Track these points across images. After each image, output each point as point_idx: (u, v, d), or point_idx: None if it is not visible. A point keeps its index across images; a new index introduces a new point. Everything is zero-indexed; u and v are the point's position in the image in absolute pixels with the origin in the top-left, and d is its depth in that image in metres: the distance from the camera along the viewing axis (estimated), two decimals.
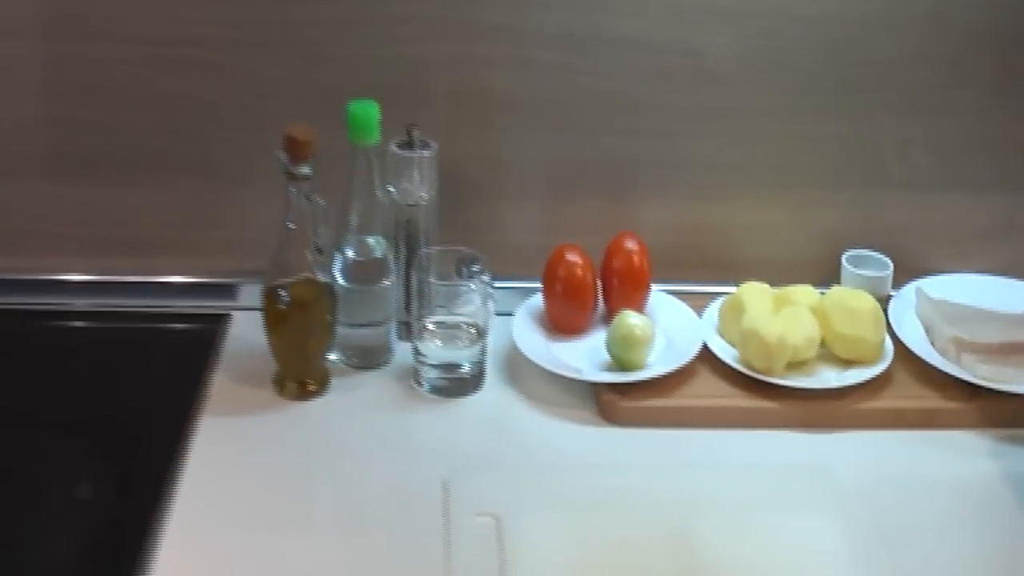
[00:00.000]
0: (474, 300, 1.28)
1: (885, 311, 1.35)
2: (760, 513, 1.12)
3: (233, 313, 1.41)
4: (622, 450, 1.22)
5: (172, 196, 1.40)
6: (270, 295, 1.25)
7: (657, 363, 1.29)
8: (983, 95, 1.36)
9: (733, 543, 1.08)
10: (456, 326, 1.30)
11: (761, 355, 1.26)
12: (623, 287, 1.35)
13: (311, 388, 1.29)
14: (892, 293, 1.40)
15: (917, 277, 1.42)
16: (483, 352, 1.30)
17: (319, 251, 1.24)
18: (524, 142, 1.38)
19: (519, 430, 1.24)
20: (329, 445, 1.21)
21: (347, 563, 1.07)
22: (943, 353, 1.31)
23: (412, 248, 1.33)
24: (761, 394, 1.26)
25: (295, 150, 1.19)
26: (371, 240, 1.30)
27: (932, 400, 1.27)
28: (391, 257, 1.31)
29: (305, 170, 1.20)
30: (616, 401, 1.25)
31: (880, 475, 1.19)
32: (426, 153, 1.30)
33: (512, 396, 1.29)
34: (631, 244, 1.35)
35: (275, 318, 1.26)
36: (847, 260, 1.39)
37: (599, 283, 1.36)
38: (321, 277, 1.25)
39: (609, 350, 1.28)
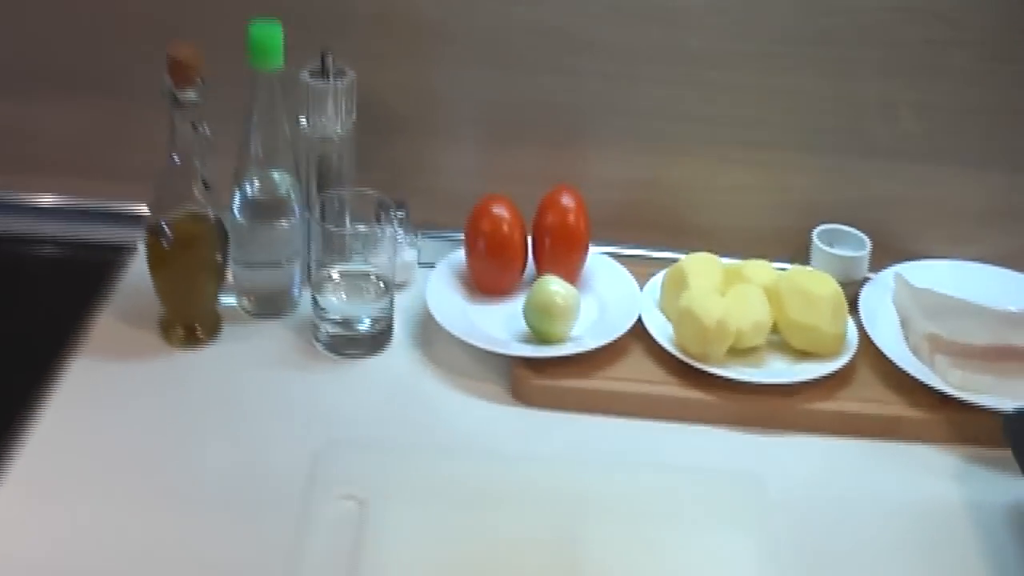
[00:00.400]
0: (386, 250, 1.14)
1: (857, 297, 1.19)
2: (664, 522, 0.98)
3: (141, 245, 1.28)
4: (526, 435, 1.07)
5: (79, 113, 1.28)
6: (152, 232, 1.12)
7: (582, 337, 1.14)
8: (984, 58, 1.18)
9: (622, 555, 0.94)
10: (364, 277, 1.16)
11: (697, 338, 1.10)
12: (555, 248, 1.20)
13: (199, 335, 1.16)
14: (869, 276, 1.24)
15: (900, 260, 1.25)
16: (389, 309, 1.16)
17: (205, 185, 1.11)
18: (458, 77, 1.23)
19: (417, 402, 1.10)
20: (203, 403, 1.09)
21: (188, 540, 0.94)
22: (915, 351, 1.15)
23: (324, 188, 1.19)
24: (696, 383, 1.11)
25: (179, 73, 1.05)
26: (276, 175, 1.16)
27: (894, 406, 1.11)
28: (295, 195, 1.17)
29: (191, 95, 1.06)
30: (528, 378, 1.11)
31: (818, 490, 1.04)
32: (341, 83, 1.16)
33: (419, 362, 1.15)
34: (567, 200, 1.19)
35: (158, 257, 1.13)
36: (819, 236, 1.23)
37: (530, 241, 1.21)
38: (210, 213, 1.12)
39: (526, 319, 1.14)
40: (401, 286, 1.22)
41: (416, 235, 1.25)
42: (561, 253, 1.20)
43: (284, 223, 1.16)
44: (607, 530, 0.96)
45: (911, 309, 1.19)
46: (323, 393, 1.11)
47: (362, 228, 1.14)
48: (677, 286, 1.16)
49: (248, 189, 1.15)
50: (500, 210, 1.18)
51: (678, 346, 1.12)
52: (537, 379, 1.10)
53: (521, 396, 1.11)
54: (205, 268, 1.14)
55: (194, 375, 1.12)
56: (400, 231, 1.23)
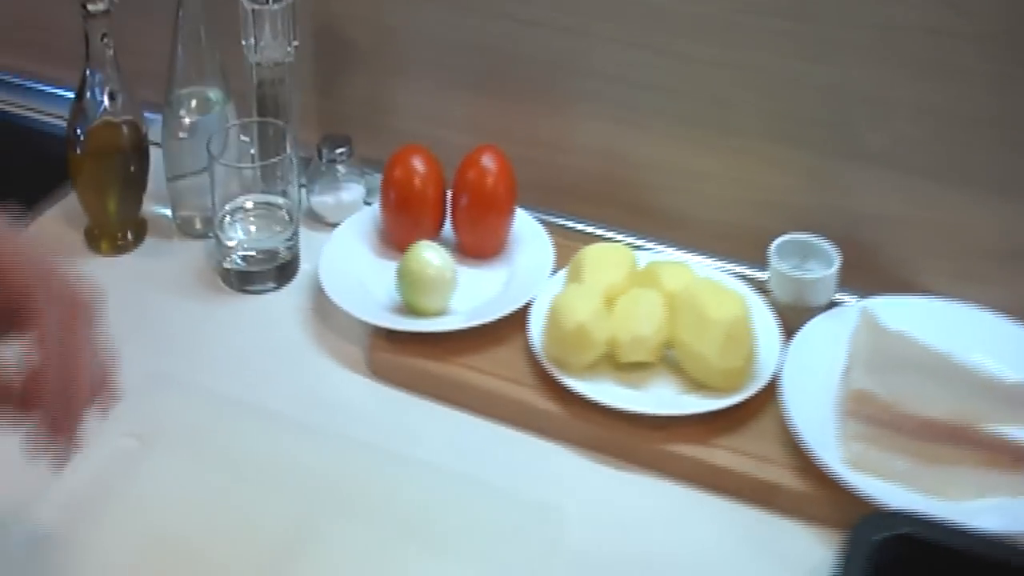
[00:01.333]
0: (288, 182, 1.09)
1: (799, 325, 1.00)
2: (416, 537, 0.87)
3: None
4: (355, 411, 0.99)
5: None
6: (68, 141, 1.12)
7: (457, 314, 1.03)
8: (999, 59, 0.93)
9: (347, 559, 0.85)
10: (275, 210, 1.11)
11: (557, 343, 0.97)
12: (471, 211, 1.08)
13: (119, 243, 1.16)
14: (845, 301, 1.04)
15: (889, 291, 1.04)
16: (286, 249, 1.10)
17: (111, 97, 1.09)
18: (414, 12, 1.12)
19: (273, 353, 1.04)
20: None
21: None
22: (838, 408, 0.95)
23: (265, 115, 1.14)
24: (555, 394, 0.97)
25: None
26: (211, 95, 1.12)
27: (775, 469, 0.92)
28: (230, 117, 1.12)
29: (99, 6, 1.05)
30: (379, 351, 1.02)
31: (628, 548, 0.88)
32: (280, 7, 1.09)
33: (301, 311, 1.08)
34: (488, 161, 1.07)
35: (75, 166, 1.13)
36: (785, 246, 1.03)
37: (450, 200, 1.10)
38: (123, 125, 1.10)
39: (397, 287, 1.04)
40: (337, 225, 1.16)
41: (362, 172, 1.17)
42: (477, 216, 1.08)
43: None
44: (351, 530, 0.87)
45: (862, 354, 0.98)
46: (191, 325, 1.07)
47: (259, 161, 1.09)
48: (573, 278, 1.02)
49: (180, 107, 1.12)
50: (417, 162, 1.08)
51: (543, 347, 0.99)
52: (387, 354, 1.01)
53: (375, 369, 1.02)
54: (118, 179, 1.13)
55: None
56: (342, 168, 1.16)
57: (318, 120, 1.20)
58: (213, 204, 1.09)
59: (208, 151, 1.06)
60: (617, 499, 0.92)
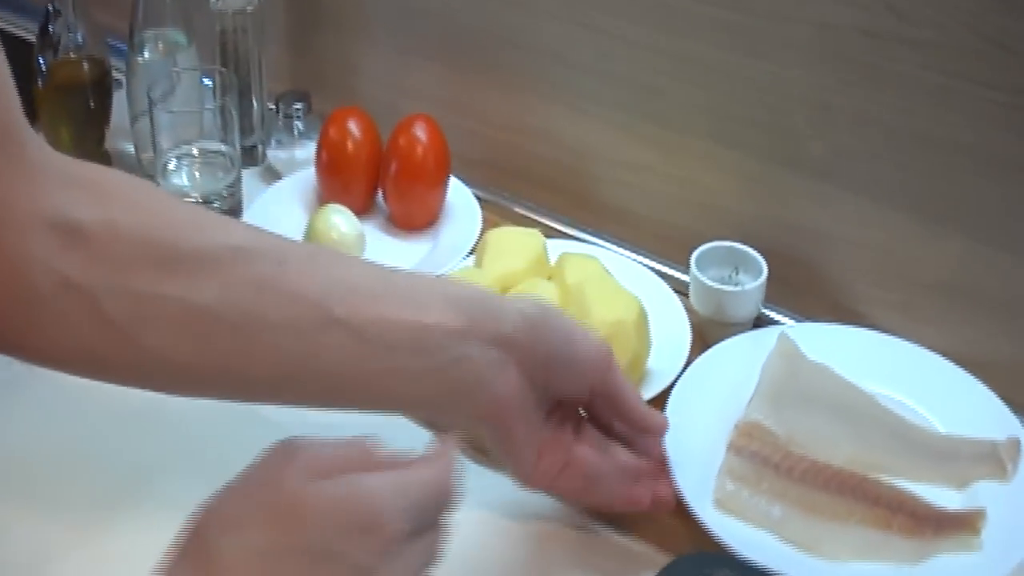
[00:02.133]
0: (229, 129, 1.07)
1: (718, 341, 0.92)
2: None
3: None
4: None
5: None
6: (32, 73, 1.13)
7: None
8: (945, 71, 0.83)
9: None
10: (218, 157, 1.09)
11: None
12: (398, 180, 1.04)
13: None
14: (781, 319, 0.96)
15: (821, 315, 0.95)
16: (227, 195, 1.08)
17: (73, 32, 1.10)
18: None
19: None
20: None
21: None
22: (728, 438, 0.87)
23: (226, 64, 1.13)
24: None
25: None
26: (176, 38, 1.12)
27: None
28: (189, 61, 1.11)
29: None
30: None
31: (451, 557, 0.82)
32: None
33: None
34: (419, 131, 1.03)
35: (38, 99, 1.13)
36: (705, 254, 0.95)
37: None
38: (83, 61, 1.11)
39: None
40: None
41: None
42: (404, 186, 1.04)
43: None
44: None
45: (771, 383, 0.89)
46: None
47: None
48: (477, 261, 0.97)
49: (144, 48, 1.12)
50: (353, 125, 1.05)
51: None
52: None
53: None
54: (78, 114, 1.13)
55: None
56: (299, 123, 1.14)
57: (291, 76, 1.18)
58: (154, 149, 1.08)
59: (148, 96, 1.05)
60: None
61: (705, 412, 0.87)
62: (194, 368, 0.67)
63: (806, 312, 0.96)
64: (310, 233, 0.99)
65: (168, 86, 1.07)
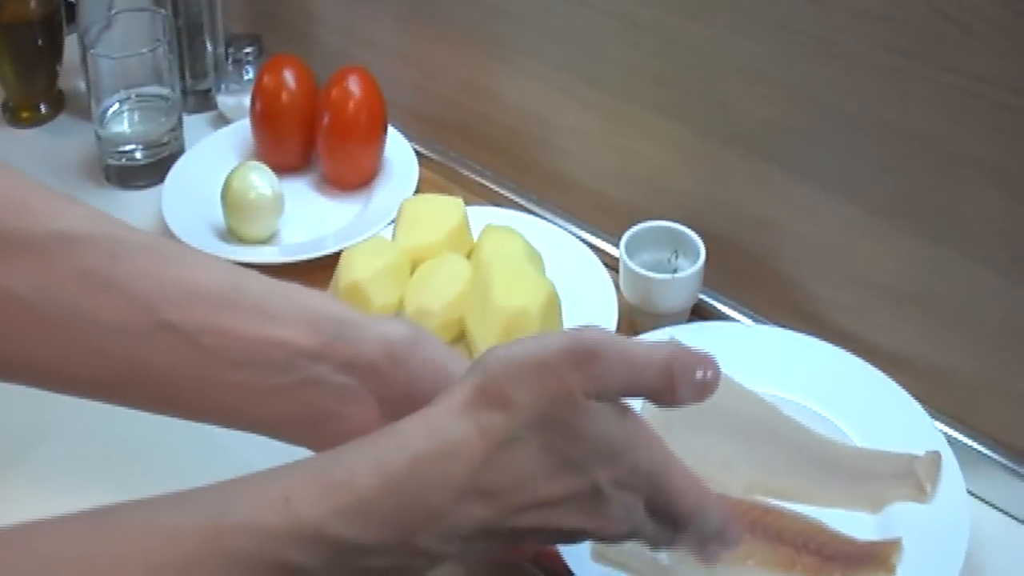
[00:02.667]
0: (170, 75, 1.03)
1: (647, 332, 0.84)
2: None
3: None
4: None
5: None
6: None
7: (284, 247, 0.94)
8: (899, 50, 0.72)
9: None
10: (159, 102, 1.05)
11: (340, 298, 0.85)
12: (330, 136, 0.98)
13: (23, 117, 1.13)
14: (717, 305, 0.87)
15: (768, 312, 0.86)
16: (168, 140, 1.04)
17: None
18: None
19: None
20: None
21: None
22: None
23: (177, 5, 1.07)
24: None
25: None
26: None
27: None
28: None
29: None
30: None
31: None
32: None
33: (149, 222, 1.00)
34: (353, 85, 0.96)
35: None
36: (635, 236, 0.86)
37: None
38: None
39: (222, 208, 0.95)
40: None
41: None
42: (335, 142, 0.98)
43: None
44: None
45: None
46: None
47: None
48: (395, 230, 0.90)
49: None
50: (288, 73, 0.99)
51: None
52: None
53: None
54: (25, 51, 1.10)
55: None
56: (249, 68, 1.08)
57: (249, 18, 1.13)
58: (89, 94, 1.03)
59: (81, 41, 1.00)
60: None
61: None
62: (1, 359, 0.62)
63: (751, 306, 0.87)
64: (226, 191, 0.93)
65: (98, 30, 1.02)
